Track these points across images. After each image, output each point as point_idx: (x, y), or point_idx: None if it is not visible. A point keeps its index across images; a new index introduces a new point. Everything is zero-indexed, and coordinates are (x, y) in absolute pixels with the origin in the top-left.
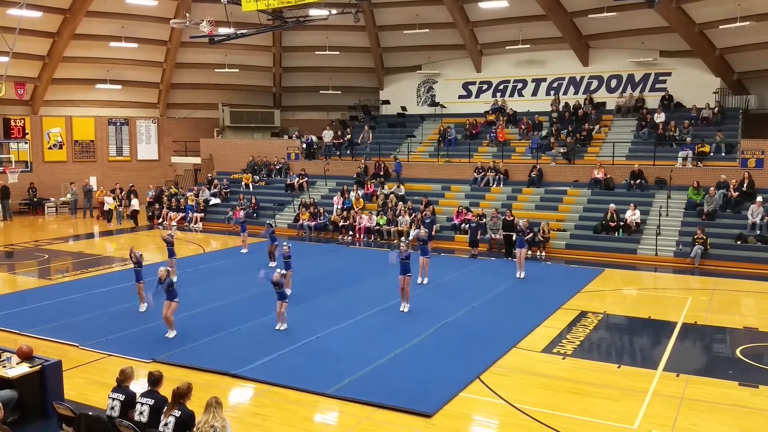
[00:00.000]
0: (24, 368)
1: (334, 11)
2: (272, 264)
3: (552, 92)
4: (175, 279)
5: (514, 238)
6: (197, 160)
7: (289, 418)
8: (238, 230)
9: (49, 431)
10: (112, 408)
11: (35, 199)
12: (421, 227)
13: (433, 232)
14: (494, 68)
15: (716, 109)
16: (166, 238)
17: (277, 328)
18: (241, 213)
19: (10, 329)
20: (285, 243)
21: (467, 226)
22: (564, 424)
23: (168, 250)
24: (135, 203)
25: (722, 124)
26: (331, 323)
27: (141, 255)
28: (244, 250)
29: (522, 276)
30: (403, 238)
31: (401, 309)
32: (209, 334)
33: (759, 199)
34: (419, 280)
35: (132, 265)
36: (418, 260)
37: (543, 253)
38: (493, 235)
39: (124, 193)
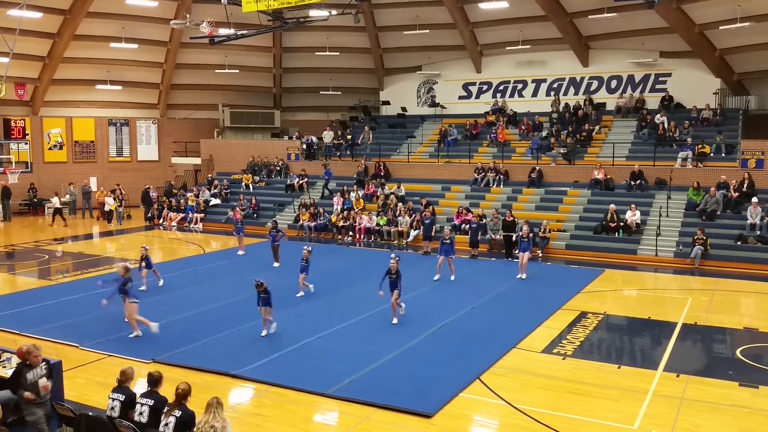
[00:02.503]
0: None
1: (334, 12)
2: (276, 264)
3: (552, 93)
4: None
5: (514, 238)
6: (197, 161)
7: (288, 419)
8: (234, 231)
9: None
10: (112, 408)
11: (35, 200)
12: (445, 228)
13: (433, 233)
14: (494, 69)
15: (716, 109)
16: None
17: (262, 334)
18: (239, 214)
19: (11, 329)
20: (306, 246)
21: (467, 226)
22: (564, 424)
23: (146, 263)
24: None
25: (722, 125)
26: (331, 324)
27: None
28: (240, 252)
29: (524, 277)
30: (393, 254)
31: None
32: (209, 334)
33: (754, 199)
34: (451, 277)
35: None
36: (437, 260)
37: (540, 253)
38: (493, 236)
39: (125, 194)
